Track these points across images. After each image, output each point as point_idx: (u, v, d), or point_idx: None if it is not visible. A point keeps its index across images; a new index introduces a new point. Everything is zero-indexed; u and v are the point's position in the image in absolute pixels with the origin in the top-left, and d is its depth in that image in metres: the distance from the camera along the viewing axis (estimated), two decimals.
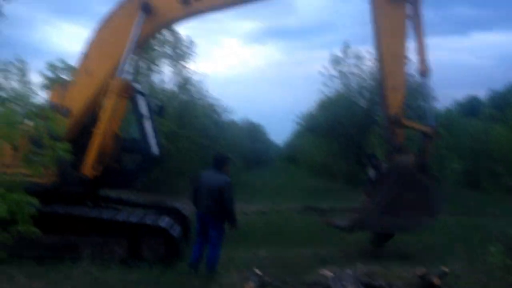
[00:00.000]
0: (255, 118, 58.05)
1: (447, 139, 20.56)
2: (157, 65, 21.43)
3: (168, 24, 9.98)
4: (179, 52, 21.76)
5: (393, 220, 8.63)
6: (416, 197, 8.68)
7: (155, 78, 21.70)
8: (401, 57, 9.02)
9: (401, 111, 8.95)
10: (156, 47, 20.93)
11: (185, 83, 22.06)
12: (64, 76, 5.16)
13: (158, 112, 11.25)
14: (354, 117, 25.54)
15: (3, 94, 5.09)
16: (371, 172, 9.78)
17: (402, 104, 9.01)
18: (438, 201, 8.97)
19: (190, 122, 20.86)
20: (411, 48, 9.09)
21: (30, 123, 5.02)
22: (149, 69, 20.82)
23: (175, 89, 21.93)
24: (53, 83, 5.08)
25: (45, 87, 5.14)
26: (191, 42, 22.16)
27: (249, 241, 10.43)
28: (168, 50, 21.57)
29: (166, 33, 19.91)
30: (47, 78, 5.04)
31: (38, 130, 4.97)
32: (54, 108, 8.55)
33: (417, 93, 22.33)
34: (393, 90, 8.93)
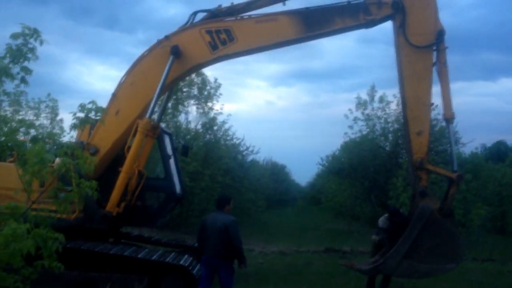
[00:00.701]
0: (278, 158, 58.00)
1: (472, 184, 20.28)
2: (183, 106, 21.84)
3: (197, 68, 10.24)
4: (205, 93, 22.13)
5: (415, 265, 8.51)
6: (440, 242, 8.57)
7: (181, 118, 22.12)
8: (426, 103, 9.04)
9: (426, 156, 8.92)
10: (183, 89, 21.38)
11: (210, 123, 22.33)
12: (93, 116, 5.30)
13: (182, 152, 11.43)
14: (378, 160, 25.41)
15: (35, 132, 5.23)
16: (375, 236, 9.72)
17: (427, 149, 8.98)
18: (461, 246, 8.83)
19: (214, 162, 21.02)
20: (436, 93, 9.14)
21: (59, 161, 5.14)
22: (176, 109, 21.23)
23: (200, 129, 22.21)
24: (83, 123, 5.22)
25: (75, 126, 5.28)
26: (217, 84, 22.55)
27: (269, 282, 10.38)
28: (194, 91, 21.98)
29: (193, 75, 20.32)
30: (77, 118, 5.17)
31: (67, 168, 5.08)
32: (82, 146, 8.81)
33: (442, 137, 22.27)
34: (417, 135, 8.93)
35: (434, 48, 9.04)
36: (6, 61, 4.84)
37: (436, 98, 9.18)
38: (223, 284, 7.49)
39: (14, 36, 4.89)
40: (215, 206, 8.06)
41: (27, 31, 4.92)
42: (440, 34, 8.95)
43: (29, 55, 4.95)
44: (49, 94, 21.73)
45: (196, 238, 8.04)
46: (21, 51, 4.89)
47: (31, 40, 4.94)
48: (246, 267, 7.73)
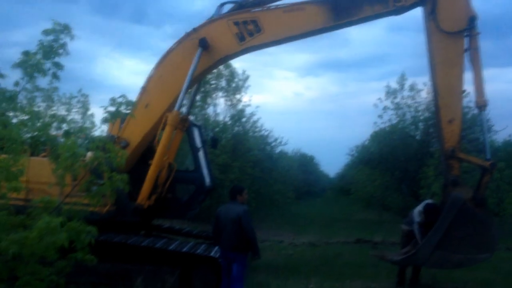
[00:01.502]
0: (307, 149, 57.88)
1: (506, 172, 19.84)
2: (211, 98, 21.91)
3: (225, 60, 10.22)
4: (233, 85, 22.17)
5: (447, 255, 8.39)
6: (472, 232, 8.43)
7: (210, 110, 22.20)
8: (457, 90, 8.87)
9: (458, 145, 8.77)
10: (211, 81, 21.45)
11: (238, 116, 22.37)
12: (124, 110, 5.35)
13: (211, 144, 11.48)
14: (408, 149, 25.06)
15: (66, 127, 5.31)
16: (405, 226, 9.58)
17: (459, 137, 8.82)
18: (495, 236, 8.67)
19: (243, 154, 21.07)
20: (468, 80, 8.94)
21: (91, 155, 5.21)
22: (204, 101, 21.32)
23: (229, 121, 22.27)
24: (114, 116, 5.27)
25: (106, 120, 5.34)
26: (245, 75, 22.55)
27: (299, 273, 10.37)
28: (222, 83, 22.04)
29: (221, 67, 20.36)
30: (108, 112, 5.23)
31: (98, 161, 5.15)
32: (113, 140, 8.92)
33: (475, 125, 21.84)
34: (449, 123, 8.78)
35: (466, 34, 8.84)
36: (38, 56, 4.92)
37: (468, 85, 9.00)
38: (233, 278, 7.39)
39: (46, 32, 4.97)
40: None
41: (58, 27, 4.99)
42: (472, 20, 8.75)
43: (60, 51, 5.02)
44: (80, 90, 22.12)
45: (211, 230, 7.97)
46: (52, 47, 4.97)
47: (62, 36, 5.01)
48: (260, 258, 7.68)
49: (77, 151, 4.77)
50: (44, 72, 4.93)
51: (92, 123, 20.74)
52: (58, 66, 5.04)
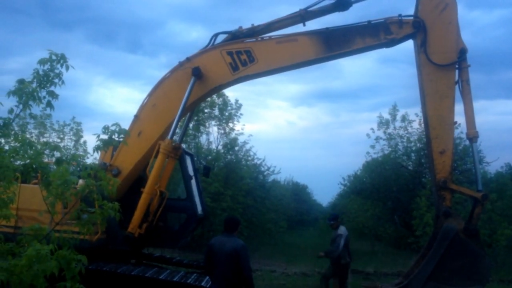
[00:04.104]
0: (300, 178, 57.77)
1: (498, 203, 19.90)
2: (204, 126, 21.98)
3: (218, 89, 10.31)
4: (226, 114, 22.26)
5: (439, 286, 8.35)
6: (465, 263, 8.42)
7: (202, 138, 22.25)
8: (448, 121, 8.96)
9: (449, 176, 8.82)
10: (204, 109, 21.55)
11: (231, 144, 22.41)
12: (116, 138, 5.35)
13: (204, 172, 11.46)
14: (401, 180, 25.16)
15: (59, 154, 5.30)
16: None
17: (450, 168, 8.88)
18: (487, 267, 8.65)
19: (236, 182, 21.04)
20: (459, 112, 9.04)
21: (82, 182, 5.19)
22: (197, 130, 21.37)
23: (222, 149, 22.30)
24: (106, 144, 5.27)
25: (98, 148, 5.34)
26: (238, 105, 22.66)
27: None
28: (215, 111, 22.13)
29: (214, 96, 20.47)
30: (101, 140, 5.23)
31: (90, 189, 5.13)
32: (105, 168, 8.89)
33: (466, 156, 21.97)
34: (440, 154, 8.84)
35: (456, 66, 8.98)
36: (34, 85, 4.95)
37: (459, 116, 9.11)
38: None
39: (42, 62, 5.00)
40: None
41: (54, 57, 5.03)
42: (462, 52, 8.91)
43: (56, 80, 5.05)
44: (73, 118, 22.17)
45: (203, 264, 7.63)
46: (48, 76, 5.00)
47: (58, 66, 5.05)
48: None
49: (69, 179, 4.75)
50: (39, 100, 4.95)
51: (85, 150, 20.73)
52: (53, 95, 5.06)
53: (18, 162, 5.00)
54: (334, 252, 10.48)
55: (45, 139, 19.94)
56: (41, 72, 5.01)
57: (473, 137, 8.99)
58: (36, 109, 5.15)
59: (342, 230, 10.80)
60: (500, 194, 21.06)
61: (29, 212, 7.75)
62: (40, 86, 4.95)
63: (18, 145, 4.86)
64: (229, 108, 22.35)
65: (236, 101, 22.60)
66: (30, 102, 4.88)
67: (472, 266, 8.45)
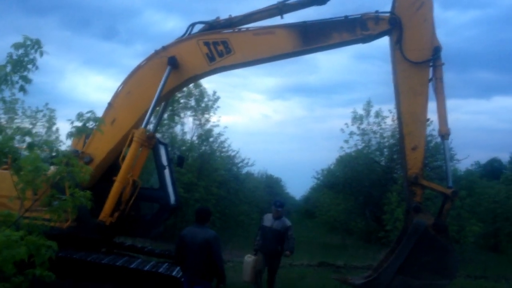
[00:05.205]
0: (274, 171, 58.00)
1: (467, 200, 20.32)
2: (179, 116, 21.86)
3: (193, 79, 10.23)
4: (203, 105, 22.17)
5: (408, 280, 8.49)
6: (433, 258, 8.56)
7: (177, 129, 22.14)
8: (421, 118, 9.05)
9: (420, 172, 8.93)
10: (180, 100, 21.42)
11: (206, 135, 22.35)
12: (89, 125, 5.30)
13: (178, 162, 11.41)
14: (373, 175, 25.49)
15: (30, 140, 5.22)
16: None
17: (422, 164, 8.99)
18: (455, 263, 8.82)
19: (209, 173, 21.02)
20: (432, 109, 9.14)
21: (53, 169, 5.13)
22: (172, 120, 21.25)
23: (196, 140, 22.23)
24: (80, 132, 5.21)
25: (72, 135, 5.27)
26: (216, 96, 22.59)
27: None
28: (192, 102, 22.02)
29: (191, 86, 20.35)
30: (75, 127, 5.17)
31: (61, 176, 5.06)
32: (77, 155, 8.77)
33: (437, 153, 22.35)
34: (412, 151, 8.95)
35: (431, 64, 9.09)
36: (8, 69, 4.86)
37: (431, 114, 9.22)
38: None
39: (16, 46, 4.91)
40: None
41: (28, 42, 4.94)
42: (436, 50, 9.01)
43: (30, 66, 4.97)
44: (46, 104, 21.77)
45: (174, 255, 7.62)
46: (22, 61, 4.92)
47: (32, 51, 4.96)
48: (225, 286, 7.34)
49: (40, 165, 4.68)
50: (12, 85, 4.86)
51: (57, 138, 20.42)
52: (27, 80, 4.97)
53: None
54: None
55: (16, 125, 19.55)
56: (14, 57, 4.92)
57: (445, 134, 9.11)
58: (7, 93, 5.07)
59: (288, 221, 10.80)
60: (469, 191, 21.56)
61: None
62: (13, 71, 4.87)
63: None
64: (206, 99, 22.27)
65: (214, 92, 22.57)
66: (3, 86, 4.80)
67: (441, 261, 8.60)
